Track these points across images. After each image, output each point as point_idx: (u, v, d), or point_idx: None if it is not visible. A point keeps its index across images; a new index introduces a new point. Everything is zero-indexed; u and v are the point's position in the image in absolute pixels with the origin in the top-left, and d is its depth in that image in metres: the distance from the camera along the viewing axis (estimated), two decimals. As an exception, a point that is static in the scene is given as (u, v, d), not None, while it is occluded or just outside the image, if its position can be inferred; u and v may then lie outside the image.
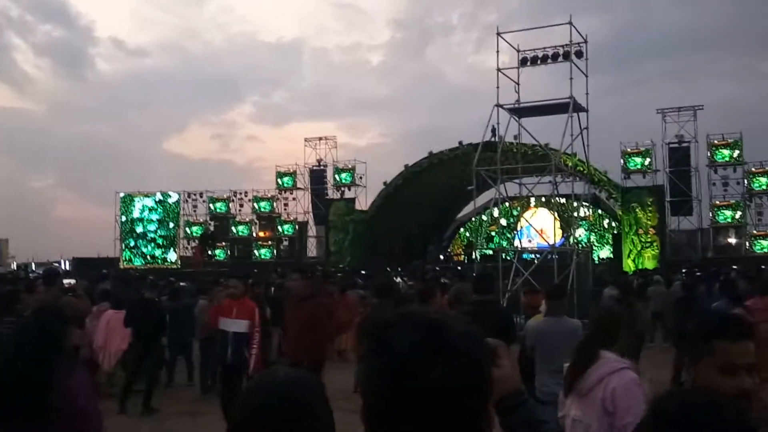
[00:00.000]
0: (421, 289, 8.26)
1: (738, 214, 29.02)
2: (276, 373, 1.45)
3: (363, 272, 23.44)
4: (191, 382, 11.16)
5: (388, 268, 24.94)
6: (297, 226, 36.73)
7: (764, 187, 28.74)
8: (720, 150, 29.31)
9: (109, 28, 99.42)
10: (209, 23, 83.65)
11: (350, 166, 35.68)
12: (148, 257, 36.25)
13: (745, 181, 29.02)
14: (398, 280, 17.70)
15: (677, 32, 68.27)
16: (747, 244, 28.80)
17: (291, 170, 36.90)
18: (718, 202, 29.39)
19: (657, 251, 27.49)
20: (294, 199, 37.00)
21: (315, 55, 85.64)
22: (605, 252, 33.89)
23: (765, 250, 28.15)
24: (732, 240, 29.82)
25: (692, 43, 69.15)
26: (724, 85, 68.71)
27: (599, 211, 34.88)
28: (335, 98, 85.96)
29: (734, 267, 21.31)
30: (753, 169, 28.90)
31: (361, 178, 35.41)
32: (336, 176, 35.78)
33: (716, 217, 29.34)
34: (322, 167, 36.44)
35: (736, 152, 29.03)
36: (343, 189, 35.62)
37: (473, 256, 34.07)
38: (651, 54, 71.78)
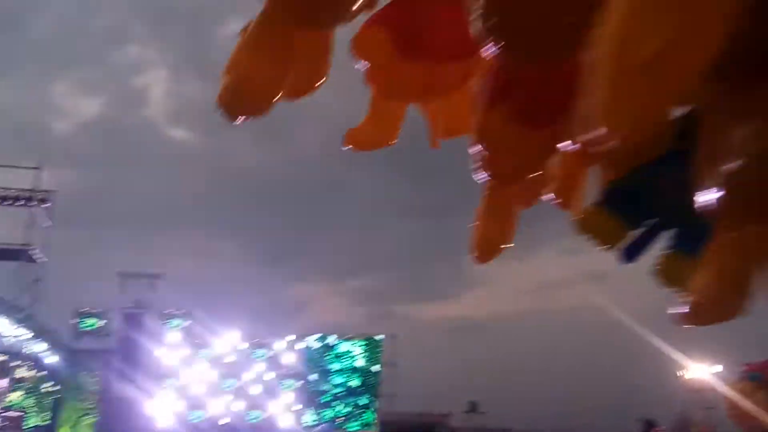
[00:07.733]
0: None
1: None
2: None
3: None
4: None
5: None
6: None
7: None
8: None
9: None
10: None
11: None
12: None
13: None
14: None
15: (142, 201, 68.51)
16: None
17: None
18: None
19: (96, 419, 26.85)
20: None
21: None
22: (39, 419, 30.97)
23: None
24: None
25: (153, 213, 69.58)
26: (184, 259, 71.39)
27: (45, 372, 32.37)
28: None
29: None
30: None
31: None
32: None
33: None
34: None
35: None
36: None
37: None
38: (117, 217, 68.75)
